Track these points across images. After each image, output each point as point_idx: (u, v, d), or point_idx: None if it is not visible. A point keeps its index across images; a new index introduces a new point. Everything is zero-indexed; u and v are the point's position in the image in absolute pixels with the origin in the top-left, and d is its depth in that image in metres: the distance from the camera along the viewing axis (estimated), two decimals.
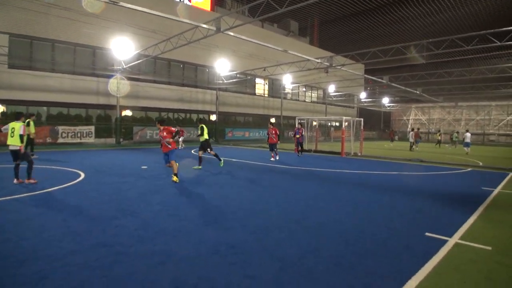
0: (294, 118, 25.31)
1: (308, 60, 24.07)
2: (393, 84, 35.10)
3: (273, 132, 15.62)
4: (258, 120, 37.64)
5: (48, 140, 20.76)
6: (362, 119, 21.38)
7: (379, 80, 32.84)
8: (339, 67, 25.69)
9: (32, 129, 13.99)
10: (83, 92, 24.07)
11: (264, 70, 28.72)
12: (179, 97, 29.93)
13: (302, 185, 9.48)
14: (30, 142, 14.04)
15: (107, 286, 3.33)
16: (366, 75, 37.01)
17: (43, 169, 11.12)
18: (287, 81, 33.89)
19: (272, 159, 15.44)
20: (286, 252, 4.33)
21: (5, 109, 21.67)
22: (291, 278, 3.58)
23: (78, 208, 6.29)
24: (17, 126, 8.32)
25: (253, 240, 4.73)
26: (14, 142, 8.27)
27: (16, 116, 8.65)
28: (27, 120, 14.03)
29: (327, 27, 41.76)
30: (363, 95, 49.06)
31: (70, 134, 21.82)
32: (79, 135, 22.22)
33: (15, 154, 8.38)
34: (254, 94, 37.66)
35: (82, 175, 9.95)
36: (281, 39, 37.04)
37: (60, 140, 21.26)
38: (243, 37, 19.30)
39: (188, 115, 31.38)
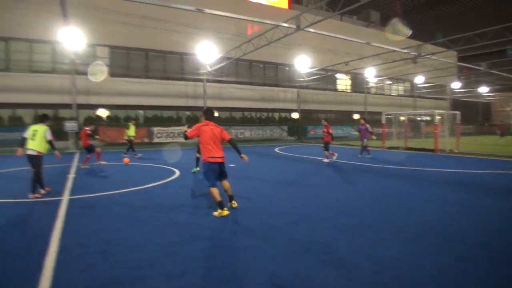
0: (379, 113, 24.11)
1: (394, 51, 22.77)
2: (492, 71, 31.46)
3: (325, 130, 14.07)
4: (341, 116, 36.69)
5: (145, 140, 22.79)
6: (458, 112, 19.52)
7: (476, 67, 29.68)
8: (428, 56, 23.87)
9: (132, 132, 15.55)
10: (173, 95, 25.94)
11: (346, 64, 27.89)
12: (261, 97, 30.60)
13: (392, 184, 8.99)
14: (130, 144, 15.64)
15: (207, 275, 3.53)
16: (459, 63, 33.76)
17: (144, 166, 12.21)
18: (371, 74, 32.47)
19: (325, 160, 13.99)
20: (381, 254, 4.12)
21: (109, 113, 24.36)
22: (390, 283, 3.39)
23: (177, 202, 6.80)
24: (41, 129, 7.24)
25: (345, 240, 4.60)
26: (33, 147, 7.10)
27: (41, 119, 7.52)
28: (128, 124, 15.64)
29: (412, 15, 39.03)
30: (456, 85, 44.74)
31: (164, 135, 23.71)
32: (171, 135, 24.01)
33: (32, 161, 7.17)
34: (336, 90, 36.83)
35: (177, 172, 10.70)
36: (362, 31, 35.63)
37: (155, 140, 23.23)
38: (323, 32, 18.99)
39: (270, 114, 31.91)
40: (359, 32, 33.84)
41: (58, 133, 20.97)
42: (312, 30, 17.78)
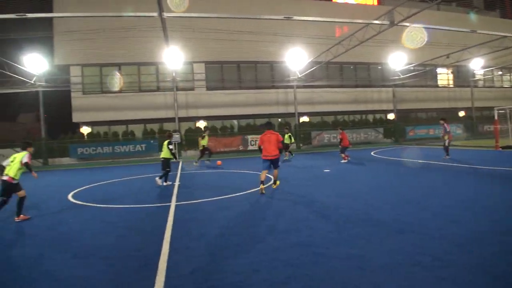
0: (489, 108, 21.37)
1: (504, 37, 20.16)
2: None
3: (340, 137, 15.32)
4: (443, 114, 33.41)
5: (240, 148, 23.70)
6: None
7: None
8: None
9: (205, 142, 16.98)
10: (265, 103, 26.63)
11: (447, 57, 25.42)
12: (353, 99, 29.60)
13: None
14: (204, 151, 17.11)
15: (309, 284, 3.46)
16: None
17: (238, 173, 12.64)
18: (477, 66, 29.08)
19: (343, 160, 15.08)
20: (501, 269, 3.59)
21: (206, 124, 26.01)
22: None
23: (276, 209, 6.89)
24: (19, 156, 7.07)
25: (461, 253, 4.07)
26: (7, 172, 6.90)
27: (23, 146, 7.36)
28: (203, 135, 16.82)
29: None
30: None
31: (257, 142, 24.35)
32: None
33: (7, 187, 6.86)
34: (437, 86, 33.80)
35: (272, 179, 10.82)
36: (463, 19, 32.13)
37: (250, 148, 23.97)
38: (419, 25, 17.66)
39: (363, 116, 30.65)
40: (460, 20, 30.66)
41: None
42: (407, 24, 16.68)
